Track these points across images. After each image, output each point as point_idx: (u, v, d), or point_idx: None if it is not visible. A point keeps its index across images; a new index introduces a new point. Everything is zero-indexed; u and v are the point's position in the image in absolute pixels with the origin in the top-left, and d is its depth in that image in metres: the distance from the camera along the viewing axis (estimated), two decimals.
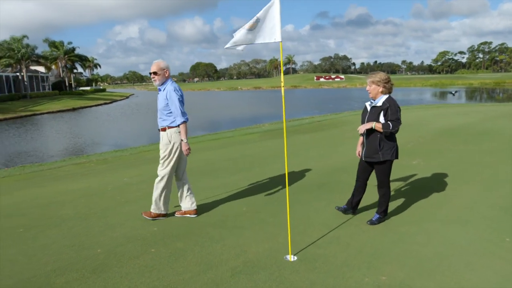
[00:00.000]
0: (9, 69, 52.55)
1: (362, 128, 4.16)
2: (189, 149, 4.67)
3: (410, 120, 14.20)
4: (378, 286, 3.12)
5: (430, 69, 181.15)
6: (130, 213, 5.01)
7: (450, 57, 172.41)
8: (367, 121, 4.22)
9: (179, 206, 5.01)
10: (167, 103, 4.56)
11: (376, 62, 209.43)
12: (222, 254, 3.74)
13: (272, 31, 3.58)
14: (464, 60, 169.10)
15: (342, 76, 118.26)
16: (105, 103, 54.35)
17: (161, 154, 4.68)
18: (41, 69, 61.60)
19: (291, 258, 3.61)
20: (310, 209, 4.96)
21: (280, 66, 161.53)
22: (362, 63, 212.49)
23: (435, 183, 5.92)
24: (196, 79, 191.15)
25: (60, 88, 63.27)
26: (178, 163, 4.75)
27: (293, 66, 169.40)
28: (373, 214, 4.54)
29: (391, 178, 6.20)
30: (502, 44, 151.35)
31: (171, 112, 4.58)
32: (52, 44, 62.99)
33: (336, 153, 8.54)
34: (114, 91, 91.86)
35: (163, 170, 4.69)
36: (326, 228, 4.29)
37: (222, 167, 7.67)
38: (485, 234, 4.04)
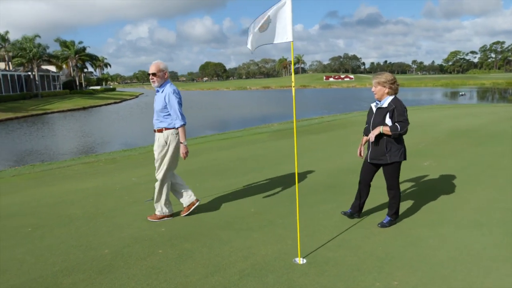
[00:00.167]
0: (21, 68, 53.26)
1: (373, 136, 4.06)
2: (187, 152, 4.63)
3: (421, 121, 14.02)
4: None
5: (441, 69, 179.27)
6: (138, 214, 4.98)
7: (462, 57, 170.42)
8: (373, 123, 4.13)
9: (179, 204, 4.97)
10: (165, 105, 4.54)
11: (386, 62, 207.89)
12: (230, 256, 3.69)
13: (284, 31, 3.53)
14: (476, 60, 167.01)
15: (352, 76, 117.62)
16: (115, 103, 54.76)
17: (157, 156, 4.65)
18: (52, 68, 62.28)
19: (300, 261, 3.54)
20: (319, 211, 4.88)
21: (289, 65, 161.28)
22: (372, 63, 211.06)
23: (448, 185, 5.79)
24: (205, 78, 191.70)
25: (70, 87, 63.92)
26: (174, 165, 4.72)
27: (302, 65, 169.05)
28: (383, 216, 4.45)
29: (402, 179, 6.12)
30: None
31: (169, 114, 4.56)
32: (63, 44, 63.66)
33: (346, 154, 8.43)
34: (123, 91, 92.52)
35: (161, 172, 4.66)
36: (335, 231, 4.21)
37: (230, 167, 7.62)
38: (500, 239, 3.92)
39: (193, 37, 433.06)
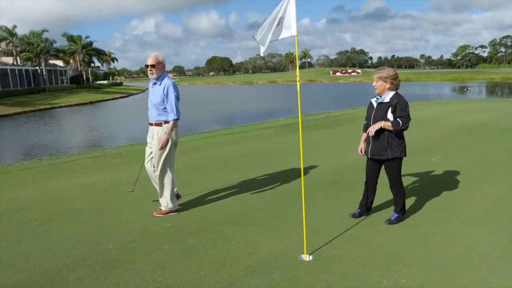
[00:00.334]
0: (29, 63, 53.56)
1: (373, 130, 4.00)
2: (166, 145, 4.54)
3: (429, 116, 13.87)
4: None
5: (449, 64, 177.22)
6: (144, 209, 4.98)
7: (471, 51, 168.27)
8: (374, 118, 4.07)
9: (184, 198, 4.96)
10: (164, 98, 4.51)
11: (394, 56, 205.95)
12: (236, 252, 3.67)
13: (288, 26, 3.49)
14: (485, 54, 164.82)
15: (359, 71, 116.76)
16: (122, 97, 54.94)
17: (155, 151, 4.59)
18: (60, 63, 62.59)
19: (306, 257, 3.51)
20: (325, 207, 4.84)
21: (295, 60, 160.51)
22: (380, 57, 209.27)
23: (456, 182, 5.71)
24: (211, 73, 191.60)
25: (78, 82, 64.22)
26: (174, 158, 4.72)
27: (309, 60, 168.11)
28: (390, 213, 4.39)
29: (410, 175, 6.06)
30: None
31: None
32: (70, 38, 63.88)
33: (353, 150, 8.34)
34: (130, 85, 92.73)
35: (163, 167, 4.63)
36: (342, 227, 4.17)
37: (236, 162, 7.60)
38: (509, 238, 3.85)
39: (199, 32, 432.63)
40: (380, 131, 4.02)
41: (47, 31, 53.49)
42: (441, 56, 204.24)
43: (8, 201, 5.55)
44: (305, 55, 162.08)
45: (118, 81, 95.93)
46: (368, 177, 4.38)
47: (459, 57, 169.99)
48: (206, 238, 4.01)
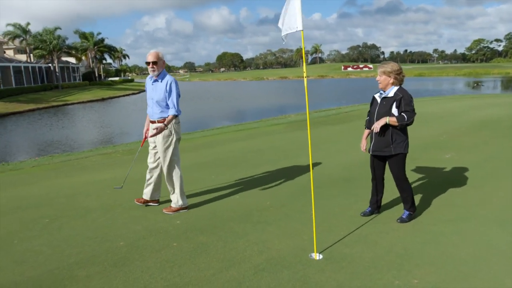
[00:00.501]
0: (42, 60, 54.21)
1: (378, 127, 3.91)
2: (156, 134, 4.51)
3: (442, 111, 13.65)
4: None
5: (463, 58, 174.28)
6: (153, 206, 4.98)
7: (486, 45, 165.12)
8: (378, 113, 3.99)
9: (194, 196, 4.94)
10: (166, 95, 4.51)
11: (406, 50, 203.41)
12: (245, 251, 3.64)
13: (294, 20, 3.42)
14: (500, 48, 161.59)
15: (371, 66, 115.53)
16: (133, 93, 55.31)
17: (162, 147, 4.58)
18: (72, 60, 63.22)
19: (316, 256, 3.46)
20: (336, 205, 4.78)
21: (306, 55, 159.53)
22: (392, 52, 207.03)
23: (470, 179, 5.59)
24: (222, 69, 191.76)
25: (90, 79, 64.82)
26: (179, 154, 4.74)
27: (320, 55, 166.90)
28: (401, 211, 4.31)
29: (423, 172, 5.95)
30: None
31: None
32: (83, 35, 64.42)
33: None
34: (142, 82, 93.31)
35: (170, 164, 4.63)
36: (353, 225, 4.11)
37: (246, 159, 7.56)
38: None
39: (210, 28, 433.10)
40: (384, 126, 3.94)
41: (60, 29, 54.03)
42: (455, 50, 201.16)
43: (20, 198, 5.60)
44: (316, 50, 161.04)
45: (129, 77, 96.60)
46: (373, 175, 4.32)
47: (473, 51, 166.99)
48: (216, 236, 3.99)
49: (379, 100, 4.05)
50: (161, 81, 4.55)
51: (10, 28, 52.43)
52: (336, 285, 3.02)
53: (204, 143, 9.78)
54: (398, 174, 4.06)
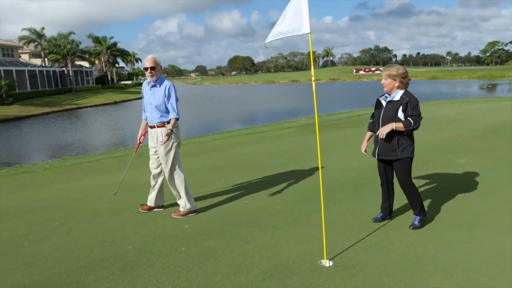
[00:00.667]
0: (56, 64, 55.10)
1: (384, 133, 3.83)
2: (167, 140, 4.52)
3: (456, 115, 13.42)
4: None
5: (477, 61, 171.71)
6: (162, 210, 4.96)
7: (500, 47, 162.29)
8: (383, 117, 3.91)
9: (203, 199, 4.90)
10: (165, 100, 4.53)
11: (419, 53, 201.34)
12: (254, 256, 3.59)
13: (300, 23, 3.36)
14: None
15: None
16: None
17: (163, 151, 4.58)
18: (86, 64, 64.11)
19: (326, 263, 3.39)
20: (347, 210, 4.70)
21: (317, 58, 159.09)
22: (404, 55, 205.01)
23: (485, 185, 5.45)
24: (233, 72, 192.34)
25: (103, 82, 65.65)
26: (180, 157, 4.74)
27: (332, 58, 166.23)
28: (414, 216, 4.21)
29: (436, 177, 5.82)
30: None
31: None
32: (96, 40, 65.34)
33: None
34: None
35: (172, 168, 4.62)
36: (364, 231, 4.02)
37: (256, 162, 7.52)
38: None
39: (221, 31, 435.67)
40: (390, 131, 3.85)
41: (74, 33, 54.90)
42: (469, 53, 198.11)
43: (31, 200, 5.65)
44: (327, 53, 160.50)
45: (142, 81, 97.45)
46: (382, 180, 4.23)
47: (487, 54, 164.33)
48: (224, 241, 3.95)
49: (384, 103, 3.96)
50: (160, 86, 4.58)
51: (26, 33, 53.47)
52: None
53: (215, 146, 9.77)
54: (404, 179, 3.97)
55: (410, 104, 3.78)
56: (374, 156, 4.11)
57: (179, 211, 4.71)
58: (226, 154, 8.57)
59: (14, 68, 43.97)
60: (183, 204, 4.69)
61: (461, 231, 3.95)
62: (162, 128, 4.59)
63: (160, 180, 4.84)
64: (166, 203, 5.13)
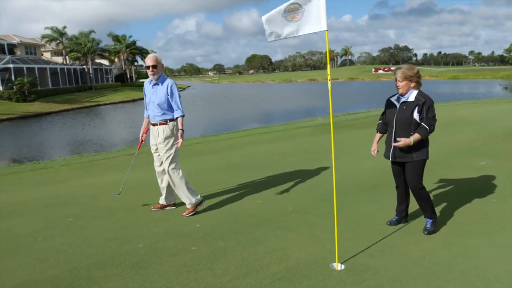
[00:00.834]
0: (77, 62, 56.18)
1: (403, 146, 3.69)
2: (182, 141, 4.60)
3: (477, 116, 13.06)
4: None
5: (501, 60, 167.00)
6: (173, 209, 4.95)
7: None
8: (397, 119, 3.76)
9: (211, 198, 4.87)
10: (168, 97, 4.56)
11: (440, 52, 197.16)
12: (264, 258, 3.53)
13: (317, 20, 3.27)
14: None
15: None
16: None
17: (164, 149, 4.60)
18: (105, 62, 65.14)
19: (338, 266, 3.31)
20: (361, 212, 4.59)
21: (335, 57, 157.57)
22: (425, 54, 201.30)
23: (507, 189, 5.25)
24: (251, 71, 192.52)
25: (122, 80, 66.58)
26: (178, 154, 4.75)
27: (350, 57, 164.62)
28: (438, 222, 4.07)
29: (455, 180, 5.65)
30: None
31: (171, 106, 4.60)
32: (115, 38, 66.29)
33: None
34: None
35: (172, 164, 4.62)
36: (378, 235, 3.92)
37: (270, 162, 7.46)
38: None
39: (240, 30, 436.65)
40: (405, 132, 3.73)
41: (94, 32, 55.89)
42: (492, 52, 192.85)
43: (48, 196, 5.73)
44: (346, 52, 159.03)
45: None
46: (397, 182, 4.11)
47: None
48: (235, 241, 3.91)
49: (397, 104, 3.82)
50: (162, 84, 4.61)
51: (48, 32, 54.70)
52: None
53: (230, 145, 9.75)
54: (416, 181, 3.82)
55: (426, 105, 3.64)
56: (388, 158, 3.99)
57: (187, 209, 4.72)
58: (241, 153, 8.54)
59: (36, 66, 45.02)
60: (188, 200, 4.69)
61: (480, 237, 3.80)
62: (164, 126, 4.61)
63: (165, 177, 4.85)
64: (178, 201, 5.12)
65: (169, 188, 4.88)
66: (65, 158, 9.38)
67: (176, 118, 4.63)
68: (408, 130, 3.73)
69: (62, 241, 4.07)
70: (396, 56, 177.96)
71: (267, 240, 3.91)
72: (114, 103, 44.28)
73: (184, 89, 75.35)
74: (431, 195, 4.98)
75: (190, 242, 3.92)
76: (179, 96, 4.65)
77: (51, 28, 54.72)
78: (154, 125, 4.69)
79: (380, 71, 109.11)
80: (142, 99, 5.24)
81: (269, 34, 3.41)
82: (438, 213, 4.38)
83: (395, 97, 3.89)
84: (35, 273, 3.39)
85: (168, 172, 4.63)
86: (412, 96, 3.73)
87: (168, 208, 4.96)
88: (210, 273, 3.29)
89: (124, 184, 5.39)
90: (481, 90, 46.10)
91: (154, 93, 4.64)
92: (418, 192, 3.86)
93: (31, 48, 53.24)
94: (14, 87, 38.09)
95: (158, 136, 4.64)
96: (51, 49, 60.41)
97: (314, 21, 3.26)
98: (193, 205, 4.69)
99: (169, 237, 4.06)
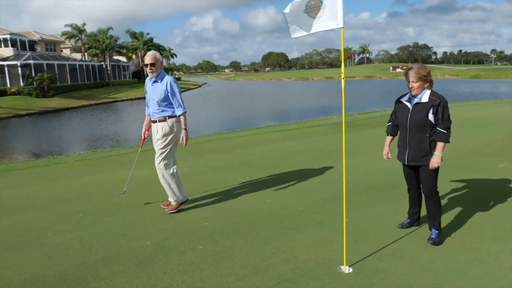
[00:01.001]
0: (95, 58, 57.03)
1: (439, 164, 3.55)
2: (186, 141, 4.68)
3: (497, 116, 12.71)
4: None
5: None
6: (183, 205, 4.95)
7: None
8: (411, 120, 3.62)
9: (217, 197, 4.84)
10: (167, 94, 4.59)
11: (460, 51, 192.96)
12: (271, 258, 3.48)
13: (334, 17, 3.21)
14: None
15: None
16: None
17: (161, 145, 4.65)
18: (123, 58, 65.92)
19: (345, 269, 3.23)
20: (373, 213, 4.50)
21: (352, 55, 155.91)
22: (445, 53, 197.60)
23: None
24: (267, 68, 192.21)
25: (139, 77, 67.24)
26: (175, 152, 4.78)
27: (368, 55, 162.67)
28: (445, 224, 3.95)
29: (471, 182, 5.49)
30: None
31: (171, 103, 4.63)
32: (133, 35, 67.01)
33: None
34: (188, 80, 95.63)
35: (168, 159, 4.66)
36: (389, 238, 3.82)
37: (282, 161, 7.39)
38: None
39: (256, 27, 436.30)
40: (421, 134, 3.60)
41: (112, 29, 56.64)
42: None
43: (61, 192, 5.80)
44: (363, 50, 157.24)
45: (176, 76, 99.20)
46: (410, 185, 3.98)
47: None
48: (242, 241, 3.87)
49: (409, 105, 3.68)
50: (161, 82, 4.65)
51: (68, 29, 55.64)
52: None
53: (242, 143, 9.72)
54: (431, 185, 3.68)
55: (441, 106, 3.51)
56: (402, 162, 3.87)
57: (171, 205, 4.74)
58: (254, 151, 8.50)
59: (56, 62, 45.89)
60: (174, 198, 4.71)
61: (495, 242, 3.67)
62: (163, 123, 4.65)
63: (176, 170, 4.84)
64: (189, 198, 5.11)
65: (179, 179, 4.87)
66: (79, 153, 9.51)
67: (179, 116, 4.66)
68: (422, 132, 3.61)
69: (71, 236, 4.11)
70: (415, 54, 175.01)
71: (274, 240, 3.86)
72: (131, 99, 44.81)
73: (200, 86, 75.76)
74: (444, 197, 4.87)
75: (197, 240, 3.90)
76: (180, 93, 4.68)
77: (71, 25, 55.67)
78: (154, 122, 4.75)
79: (398, 70, 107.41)
80: None
81: (293, 30, 3.40)
82: (451, 216, 4.28)
83: (406, 98, 3.76)
84: (43, 268, 3.42)
85: (158, 167, 4.67)
86: (425, 96, 3.59)
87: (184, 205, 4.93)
88: (215, 273, 3.26)
89: (128, 183, 5.42)
90: (503, 90, 44.93)
91: (153, 91, 4.69)
92: (433, 198, 3.70)
93: (51, 45, 54.28)
94: (34, 82, 38.90)
95: (157, 133, 4.69)
96: (70, 45, 61.46)
97: (332, 17, 3.21)
98: (178, 202, 4.73)
99: (176, 235, 4.05)
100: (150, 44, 68.00)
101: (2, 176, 7.06)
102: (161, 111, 4.64)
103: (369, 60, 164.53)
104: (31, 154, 15.44)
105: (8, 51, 44.58)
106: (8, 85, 39.95)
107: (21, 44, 47.14)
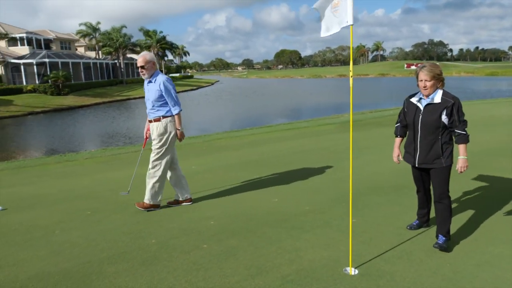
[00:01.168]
0: (109, 57, 57.63)
1: (467, 167, 3.48)
2: (183, 136, 4.77)
3: None
4: None
5: None
6: (188, 205, 4.94)
7: None
8: (423, 122, 3.48)
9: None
10: (161, 94, 4.61)
11: (477, 48, 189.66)
12: (275, 258, 3.44)
13: (344, 14, 3.17)
14: None
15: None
16: (191, 89, 57.07)
17: (156, 144, 4.69)
18: (136, 56, 66.35)
19: (351, 271, 3.17)
20: (381, 214, 4.42)
21: (366, 53, 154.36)
22: (461, 50, 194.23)
23: None
24: (280, 66, 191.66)
25: None
26: (172, 151, 4.79)
27: (382, 53, 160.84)
28: (455, 225, 3.85)
29: (484, 182, 5.36)
30: None
31: (165, 103, 4.65)
32: (146, 33, 67.46)
33: None
34: (201, 78, 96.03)
35: (159, 159, 4.68)
36: (396, 239, 3.75)
37: (291, 160, 7.33)
38: None
39: (269, 25, 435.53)
40: (433, 136, 3.48)
41: (126, 27, 57.11)
42: None
43: (70, 189, 5.86)
44: (377, 47, 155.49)
45: (189, 74, 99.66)
46: (419, 186, 3.87)
47: None
48: (248, 240, 3.84)
49: (420, 106, 3.55)
50: (154, 82, 4.68)
51: (82, 27, 56.31)
52: None
53: (251, 141, 9.69)
54: (443, 188, 3.55)
55: (455, 107, 3.38)
56: (410, 163, 3.76)
57: (143, 202, 4.76)
58: (261, 150, 8.46)
59: (70, 61, 46.50)
60: (149, 197, 4.72)
61: (506, 245, 3.56)
62: (158, 123, 4.68)
63: (172, 173, 4.89)
64: (194, 197, 5.12)
65: (179, 182, 4.91)
66: (90, 151, 9.60)
67: (173, 115, 4.67)
68: (434, 134, 3.48)
69: (78, 234, 4.13)
70: (430, 51, 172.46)
71: (280, 240, 3.82)
72: (143, 97, 45.16)
73: (212, 84, 75.96)
74: (455, 198, 4.75)
75: (202, 239, 3.89)
76: (175, 91, 4.71)
77: (85, 24, 56.32)
78: (150, 122, 4.80)
79: (413, 67, 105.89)
80: None
81: (325, 29, 3.44)
82: (462, 218, 4.18)
83: (416, 98, 3.62)
84: (49, 265, 3.44)
85: (152, 164, 4.70)
86: (437, 97, 3.46)
87: (184, 204, 4.95)
88: (219, 273, 3.23)
89: (132, 182, 5.42)
90: None
91: (148, 91, 4.74)
92: (445, 202, 3.56)
93: (66, 43, 55.04)
94: (49, 81, 39.50)
95: (153, 133, 4.72)
96: (85, 44, 62.20)
97: (344, 15, 3.17)
98: (150, 203, 4.74)
99: (182, 233, 4.04)
100: (163, 42, 68.42)
101: (14, 174, 7.17)
102: (156, 111, 4.69)
103: (383, 58, 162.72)
104: (45, 151, 15.68)
105: (24, 50, 45.34)
106: (24, 83, 40.65)
107: (36, 42, 47.92)
